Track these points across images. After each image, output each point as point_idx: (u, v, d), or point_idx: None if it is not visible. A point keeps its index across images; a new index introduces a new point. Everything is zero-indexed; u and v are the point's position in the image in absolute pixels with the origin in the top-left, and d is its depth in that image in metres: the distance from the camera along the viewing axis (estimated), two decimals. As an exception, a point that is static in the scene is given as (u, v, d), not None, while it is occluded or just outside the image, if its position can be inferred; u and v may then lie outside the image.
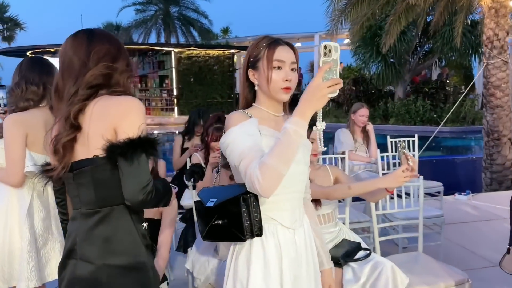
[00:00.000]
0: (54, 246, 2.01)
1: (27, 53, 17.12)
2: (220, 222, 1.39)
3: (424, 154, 7.56)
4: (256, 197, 1.35)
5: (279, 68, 1.40)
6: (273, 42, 1.42)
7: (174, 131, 15.50)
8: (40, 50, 16.20)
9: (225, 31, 28.44)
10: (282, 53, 1.40)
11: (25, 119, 1.95)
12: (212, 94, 17.70)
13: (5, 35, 28.11)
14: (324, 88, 1.21)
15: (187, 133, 4.02)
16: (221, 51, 17.85)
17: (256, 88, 1.47)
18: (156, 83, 17.82)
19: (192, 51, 17.35)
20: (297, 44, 22.58)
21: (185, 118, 16.07)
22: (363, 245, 2.22)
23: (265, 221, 1.40)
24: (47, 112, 1.99)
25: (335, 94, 1.24)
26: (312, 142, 2.14)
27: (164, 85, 17.63)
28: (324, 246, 1.66)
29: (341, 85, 1.22)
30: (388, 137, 4.76)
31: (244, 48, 20.30)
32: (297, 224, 1.47)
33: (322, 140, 1.40)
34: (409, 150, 4.65)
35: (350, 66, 17.45)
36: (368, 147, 4.31)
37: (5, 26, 27.61)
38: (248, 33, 23.74)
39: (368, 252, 2.11)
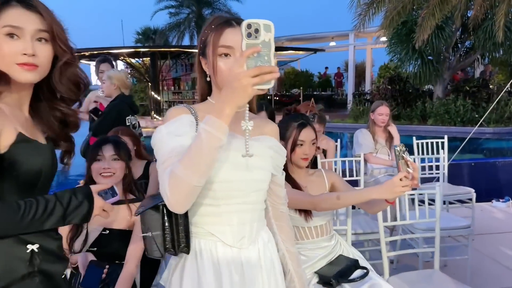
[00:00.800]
0: None
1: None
2: (148, 234, 1.19)
3: (463, 157, 7.05)
4: None
5: (226, 55, 1.14)
6: (222, 23, 1.17)
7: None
8: (75, 54, 16.61)
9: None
10: (230, 37, 1.13)
11: None
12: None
13: (48, 40, 29.31)
14: (245, 77, 0.92)
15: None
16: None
17: (208, 79, 1.23)
18: (189, 85, 17.92)
19: (223, 52, 17.27)
20: (332, 43, 22.10)
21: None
22: (362, 262, 1.93)
23: (202, 236, 1.19)
24: None
25: (269, 86, 0.96)
26: (301, 145, 1.89)
27: (196, 87, 17.66)
28: (300, 270, 1.38)
29: (277, 74, 0.94)
30: (414, 138, 4.38)
31: (280, 49, 20.11)
32: (246, 242, 1.21)
33: (248, 143, 1.12)
34: (437, 153, 4.25)
35: (388, 65, 16.81)
36: (391, 149, 3.96)
37: (48, 32, 28.78)
38: (282, 33, 23.34)
39: (365, 271, 1.82)
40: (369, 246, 3.18)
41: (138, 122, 3.72)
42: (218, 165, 1.12)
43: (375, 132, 3.96)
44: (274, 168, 1.28)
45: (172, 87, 18.23)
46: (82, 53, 16.36)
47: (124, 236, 1.89)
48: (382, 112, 3.89)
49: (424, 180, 4.04)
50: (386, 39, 12.78)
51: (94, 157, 1.92)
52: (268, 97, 19.42)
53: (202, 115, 1.17)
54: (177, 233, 1.14)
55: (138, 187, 2.07)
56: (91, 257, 1.80)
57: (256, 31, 0.96)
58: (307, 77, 24.45)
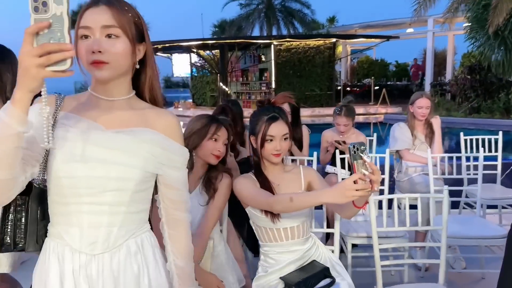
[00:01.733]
0: None
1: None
2: None
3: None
4: (27, 199, 1.08)
5: (85, 37, 1.04)
6: (87, 3, 1.07)
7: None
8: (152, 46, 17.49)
9: (331, 20, 27.52)
10: (89, 17, 1.04)
11: None
12: (311, 86, 17.24)
13: (132, 35, 31.16)
14: (28, 57, 0.83)
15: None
16: (321, 41, 17.25)
17: None
18: (256, 77, 18.00)
19: (291, 42, 17.09)
20: (409, 30, 20.81)
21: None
22: (339, 270, 1.75)
23: (53, 237, 1.10)
24: None
25: (64, 67, 0.85)
26: (270, 140, 1.76)
27: (263, 78, 17.73)
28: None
29: (69, 53, 0.84)
30: (462, 134, 3.94)
31: (347, 37, 19.43)
32: (99, 248, 1.09)
33: (47, 131, 0.99)
34: (488, 151, 3.78)
35: (471, 53, 15.41)
36: (431, 146, 3.58)
37: (132, 27, 30.60)
38: (356, 21, 22.45)
39: (330, 280, 1.65)
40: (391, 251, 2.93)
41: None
42: (65, 157, 1.04)
43: (414, 126, 3.61)
44: (156, 167, 1.13)
45: (241, 78, 18.44)
46: (155, 46, 17.21)
47: None
48: (422, 105, 3.52)
49: (471, 181, 3.61)
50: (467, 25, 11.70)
51: None
52: (338, 88, 18.89)
53: (70, 104, 1.11)
54: (15, 228, 1.09)
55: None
56: None
57: (44, 4, 0.85)
58: (382, 66, 23.35)
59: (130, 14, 1.07)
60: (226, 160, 2.05)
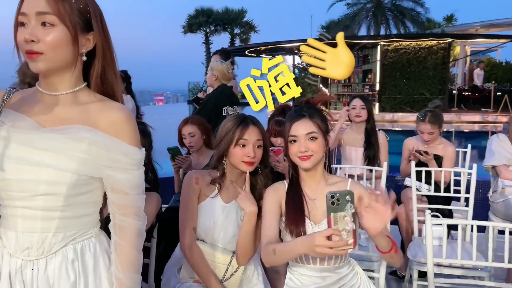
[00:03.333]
0: None
1: (245, 52, 19.23)
2: None
3: None
4: None
5: (22, 24, 0.96)
6: None
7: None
8: (253, 48, 17.93)
9: (449, 19, 25.22)
10: (27, 3, 0.96)
11: None
12: (420, 89, 15.99)
13: (242, 37, 32.31)
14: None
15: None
16: (435, 41, 15.89)
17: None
18: (359, 78, 17.29)
19: (400, 42, 16.04)
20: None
21: (386, 115, 14.98)
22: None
23: None
24: None
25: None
26: (294, 141, 1.55)
27: (367, 80, 16.94)
28: None
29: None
30: None
31: (463, 37, 17.62)
32: (33, 254, 1.03)
33: None
34: None
35: None
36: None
37: (242, 30, 31.71)
38: (475, 19, 20.30)
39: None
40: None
41: (238, 113, 3.75)
42: None
43: (518, 139, 3.04)
44: (96, 169, 1.03)
45: (343, 80, 17.85)
46: (258, 48, 17.57)
47: None
48: (529, 114, 2.95)
49: None
50: None
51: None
52: (454, 92, 17.26)
53: (15, 100, 1.04)
54: None
55: (153, 176, 2.04)
56: None
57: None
58: (507, 69, 20.72)
59: (72, 0, 0.97)
60: (269, 164, 1.88)
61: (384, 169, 2.86)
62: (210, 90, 3.92)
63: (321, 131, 1.56)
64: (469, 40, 18.45)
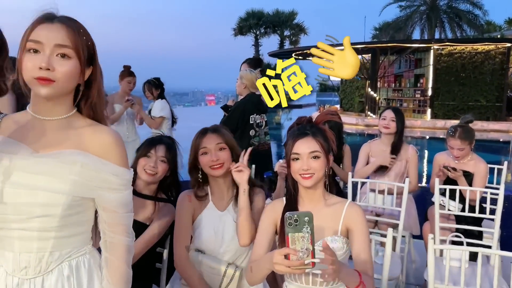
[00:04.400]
0: None
1: (292, 55, 19.18)
2: None
3: None
4: None
5: (35, 51, 1.03)
6: (41, 17, 1.06)
7: (424, 136, 14.19)
8: (300, 52, 17.85)
9: (511, 22, 23.71)
10: (42, 32, 1.03)
11: None
12: (475, 96, 15.21)
13: (292, 40, 32.26)
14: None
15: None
16: (493, 46, 15.04)
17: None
18: (411, 83, 16.71)
19: (455, 46, 15.34)
20: None
21: (437, 122, 14.38)
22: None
23: None
24: None
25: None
26: (296, 158, 1.58)
27: (419, 84, 16.34)
28: None
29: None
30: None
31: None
32: (31, 273, 1.08)
33: None
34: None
35: None
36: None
37: (291, 32, 31.68)
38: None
39: None
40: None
41: (266, 121, 3.76)
42: None
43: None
44: (88, 190, 1.09)
45: (393, 84, 17.35)
46: (305, 51, 17.44)
47: (140, 227, 1.97)
48: None
49: None
50: None
51: (145, 153, 2.00)
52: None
53: (6, 125, 1.09)
54: None
55: (174, 189, 2.11)
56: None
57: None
58: None
59: (84, 37, 1.07)
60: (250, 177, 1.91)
61: (406, 185, 2.77)
62: (239, 98, 3.98)
63: (323, 150, 1.56)
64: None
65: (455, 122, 3.36)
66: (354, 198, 3.20)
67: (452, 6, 20.35)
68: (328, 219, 1.57)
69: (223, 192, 1.92)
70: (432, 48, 15.50)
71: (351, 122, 15.60)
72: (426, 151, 11.35)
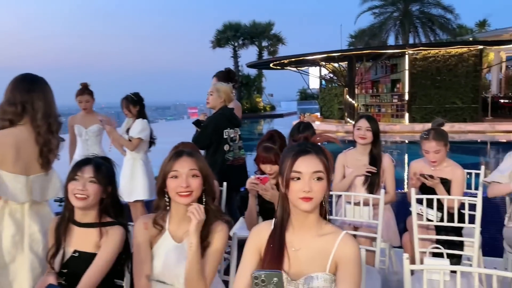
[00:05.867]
0: (23, 263, 2.03)
1: (270, 65, 19.22)
2: None
3: None
4: None
5: (297, 178, 1.33)
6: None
7: (403, 140, 14.29)
8: (278, 61, 17.89)
9: (482, 24, 24.30)
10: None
11: None
12: (451, 98, 15.43)
13: (270, 50, 32.37)
14: None
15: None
16: (466, 48, 15.32)
17: None
18: (388, 88, 16.87)
19: (429, 50, 15.58)
20: None
21: (415, 126, 14.55)
22: None
23: None
24: (21, 130, 2.03)
25: None
26: (298, 178, 1.39)
27: (395, 89, 16.51)
28: None
29: None
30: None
31: (494, 43, 16.91)
32: None
33: None
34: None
35: None
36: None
37: (269, 42, 31.78)
38: (509, 23, 19.42)
39: None
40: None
41: (239, 135, 3.64)
42: None
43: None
44: None
45: (370, 90, 17.50)
46: (282, 61, 17.51)
47: (92, 258, 1.81)
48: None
49: None
50: None
51: (72, 176, 1.85)
52: (488, 100, 16.55)
53: None
54: None
55: (117, 210, 1.96)
56: (51, 280, 1.81)
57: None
58: (547, 74, 19.70)
59: None
60: (215, 196, 1.78)
61: (381, 196, 2.67)
62: (212, 112, 3.85)
63: (326, 171, 1.40)
64: (503, 46, 17.68)
65: (437, 118, 3.28)
66: (331, 213, 3.09)
67: (424, 11, 20.73)
68: (317, 252, 1.40)
69: (183, 223, 1.72)
70: (406, 53, 15.69)
71: (331, 130, 15.62)
72: (406, 155, 11.40)
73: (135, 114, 3.96)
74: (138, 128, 3.89)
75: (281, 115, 28.25)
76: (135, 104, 3.97)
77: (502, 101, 17.81)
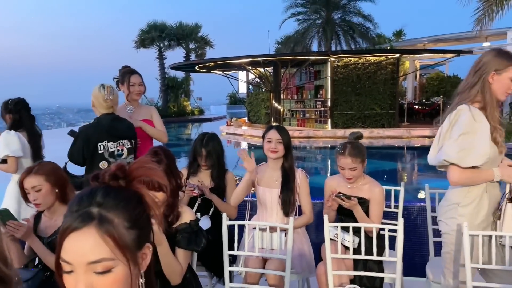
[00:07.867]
0: None
1: (196, 67, 18.64)
2: None
3: None
4: None
5: None
6: None
7: (326, 145, 14.44)
8: (203, 64, 17.37)
9: (398, 34, 25.73)
10: None
11: None
12: (371, 104, 15.94)
13: (197, 53, 31.70)
14: None
15: (191, 166, 3.01)
16: (384, 56, 15.93)
17: None
18: (312, 94, 17.08)
19: (350, 58, 15.98)
20: (485, 44, 18.71)
21: (337, 131, 14.79)
22: None
23: None
24: None
25: None
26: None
27: (319, 95, 16.74)
28: None
29: None
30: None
31: (410, 52, 17.86)
32: None
33: None
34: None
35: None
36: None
37: (197, 45, 31.11)
38: (426, 34, 20.67)
39: None
40: None
41: (130, 149, 3.02)
42: None
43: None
44: None
45: (295, 96, 17.61)
46: (207, 64, 17.02)
47: None
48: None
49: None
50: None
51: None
52: (404, 106, 17.37)
53: None
54: None
55: None
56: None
57: None
58: (455, 83, 21.24)
59: None
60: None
61: (290, 223, 2.28)
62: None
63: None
64: (418, 55, 18.72)
65: (354, 130, 2.98)
66: (240, 239, 2.67)
67: (346, 20, 21.36)
68: None
69: None
70: (329, 60, 15.96)
71: (258, 135, 15.39)
72: (329, 160, 11.44)
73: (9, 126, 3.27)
74: (1, 143, 3.16)
75: (209, 119, 27.75)
76: (8, 112, 3.28)
77: (416, 107, 18.82)
